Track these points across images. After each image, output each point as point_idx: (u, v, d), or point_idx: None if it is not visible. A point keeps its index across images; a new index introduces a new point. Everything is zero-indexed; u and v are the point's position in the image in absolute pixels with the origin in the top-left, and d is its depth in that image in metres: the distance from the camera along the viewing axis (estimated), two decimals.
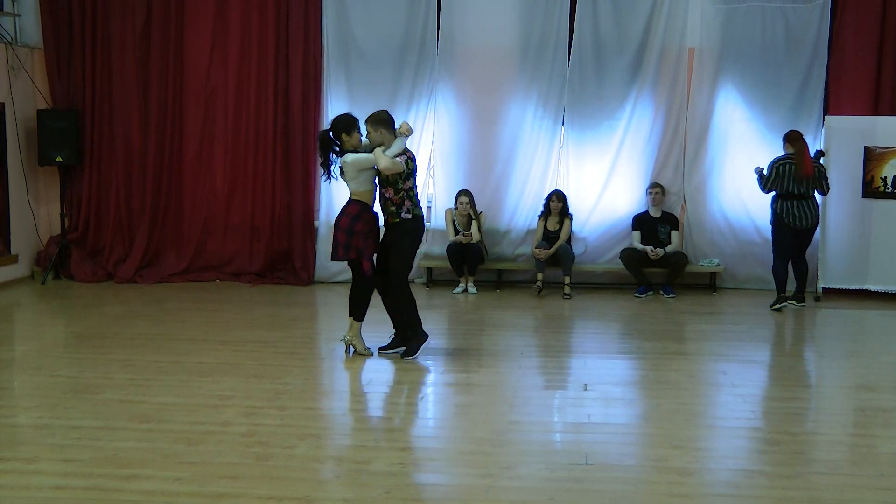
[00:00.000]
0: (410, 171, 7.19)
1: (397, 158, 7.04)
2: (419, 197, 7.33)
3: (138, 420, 5.73)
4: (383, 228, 7.34)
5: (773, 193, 9.42)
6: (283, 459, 5.11)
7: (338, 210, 10.57)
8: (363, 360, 7.27)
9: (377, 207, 7.28)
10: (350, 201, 7.19)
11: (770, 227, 9.60)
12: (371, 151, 7.09)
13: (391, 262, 7.21)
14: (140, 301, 9.78)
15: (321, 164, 7.30)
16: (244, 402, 6.13)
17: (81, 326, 8.77)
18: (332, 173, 7.29)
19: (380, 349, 7.45)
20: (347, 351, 7.40)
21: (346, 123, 7.16)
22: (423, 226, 7.38)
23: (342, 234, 7.08)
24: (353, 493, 4.74)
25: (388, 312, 7.40)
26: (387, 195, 7.17)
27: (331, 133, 7.20)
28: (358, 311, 7.29)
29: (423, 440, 5.75)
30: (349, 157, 7.06)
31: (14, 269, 10.73)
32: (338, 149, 7.21)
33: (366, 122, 7.19)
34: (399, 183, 7.13)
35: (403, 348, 7.32)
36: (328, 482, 4.92)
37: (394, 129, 7.18)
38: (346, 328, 7.43)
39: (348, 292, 7.37)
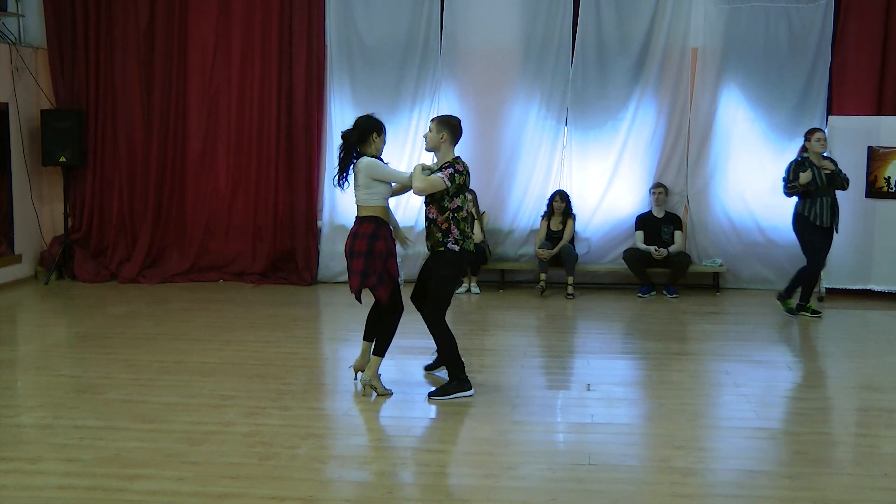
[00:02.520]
0: (458, 187, 6.27)
1: (438, 174, 6.22)
2: (469, 224, 6.42)
3: (141, 420, 5.74)
4: (427, 253, 6.59)
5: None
6: (286, 459, 5.11)
7: (341, 210, 10.78)
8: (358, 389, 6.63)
9: (389, 209, 6.47)
10: (361, 220, 6.25)
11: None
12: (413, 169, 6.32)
13: (430, 292, 6.43)
14: (143, 301, 9.78)
15: (339, 168, 6.33)
16: (247, 402, 6.13)
17: (84, 326, 8.78)
18: (347, 180, 6.34)
19: (426, 368, 6.98)
20: (368, 395, 6.40)
21: (370, 126, 6.28)
22: (469, 258, 6.55)
23: (358, 260, 6.18)
24: (356, 493, 4.74)
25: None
26: (430, 215, 6.34)
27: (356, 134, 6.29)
28: (382, 345, 6.36)
29: (426, 440, 5.74)
30: (365, 160, 6.22)
31: (17, 269, 10.74)
32: (358, 150, 6.30)
33: (433, 119, 6.50)
34: (444, 201, 6.27)
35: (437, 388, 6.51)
36: (331, 482, 4.92)
37: (456, 140, 6.41)
38: (358, 355, 6.65)
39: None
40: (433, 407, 6.34)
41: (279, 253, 10.97)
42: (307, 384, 6.71)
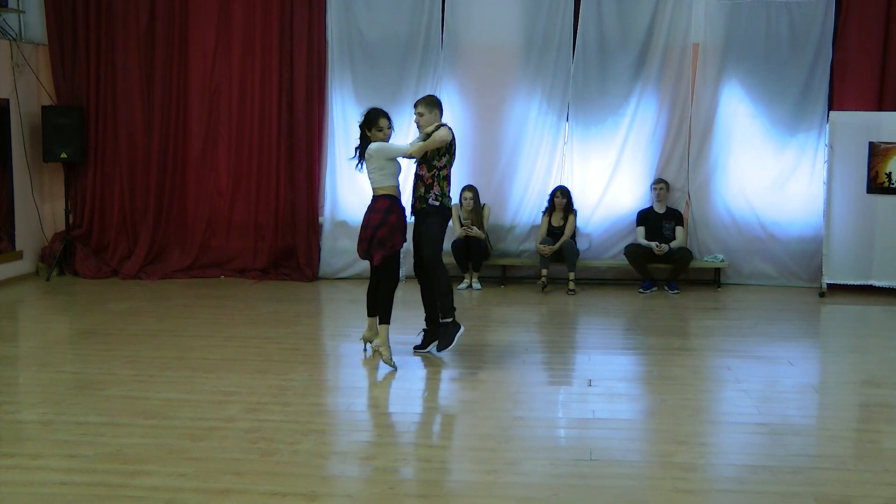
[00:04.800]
0: (447, 150, 7.03)
1: (441, 131, 6.94)
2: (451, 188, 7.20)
3: (143, 416, 5.74)
4: (411, 217, 7.23)
5: None
6: (288, 455, 5.12)
7: (342, 207, 10.79)
8: (367, 357, 7.26)
9: (399, 188, 7.12)
10: (377, 198, 6.96)
11: None
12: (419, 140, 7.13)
13: (423, 245, 7.10)
14: (144, 297, 9.79)
15: (358, 155, 7.06)
16: (248, 398, 6.14)
17: (86, 323, 8.78)
18: (362, 164, 7.08)
19: (415, 348, 7.37)
20: (365, 350, 7.28)
21: (366, 120, 7.00)
22: (450, 212, 7.21)
23: (372, 230, 6.87)
24: (357, 489, 4.74)
25: (423, 305, 7.33)
26: (419, 172, 7.07)
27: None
28: (384, 313, 7.00)
29: (428, 436, 5.75)
30: (374, 145, 6.90)
31: (19, 265, 10.75)
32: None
33: (417, 103, 7.17)
34: (434, 160, 6.99)
35: (437, 342, 7.25)
36: (332, 478, 4.93)
37: (441, 114, 7.23)
38: (366, 328, 7.32)
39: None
40: (435, 402, 6.36)
41: (280, 249, 10.97)
42: (309, 380, 6.72)
